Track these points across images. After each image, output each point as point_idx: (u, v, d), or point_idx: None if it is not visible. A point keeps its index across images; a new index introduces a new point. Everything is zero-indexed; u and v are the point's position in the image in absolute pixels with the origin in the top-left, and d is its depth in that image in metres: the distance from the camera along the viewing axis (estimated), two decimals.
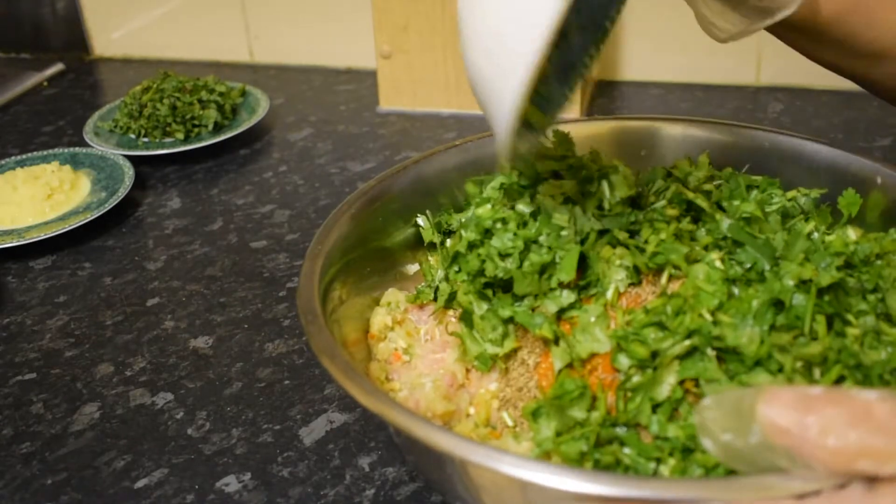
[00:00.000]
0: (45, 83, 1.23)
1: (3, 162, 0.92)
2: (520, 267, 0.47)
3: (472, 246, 0.51)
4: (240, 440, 0.56)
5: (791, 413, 0.30)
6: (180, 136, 0.97)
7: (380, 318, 0.52)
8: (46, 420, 0.59)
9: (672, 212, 0.49)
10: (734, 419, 0.33)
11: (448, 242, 0.56)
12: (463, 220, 0.55)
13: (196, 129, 0.98)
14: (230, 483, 0.53)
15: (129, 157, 0.91)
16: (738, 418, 0.32)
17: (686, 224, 0.49)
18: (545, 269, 0.46)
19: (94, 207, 0.82)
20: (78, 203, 0.85)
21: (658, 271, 0.46)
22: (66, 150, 0.93)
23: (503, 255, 0.48)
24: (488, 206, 0.53)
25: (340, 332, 0.48)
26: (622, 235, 0.47)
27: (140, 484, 0.53)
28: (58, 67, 1.27)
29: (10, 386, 0.62)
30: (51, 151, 0.94)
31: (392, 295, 0.54)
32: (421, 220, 0.58)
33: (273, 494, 0.52)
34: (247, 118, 1.00)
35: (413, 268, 0.58)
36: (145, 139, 0.98)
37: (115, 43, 1.31)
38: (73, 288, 0.74)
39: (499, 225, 0.51)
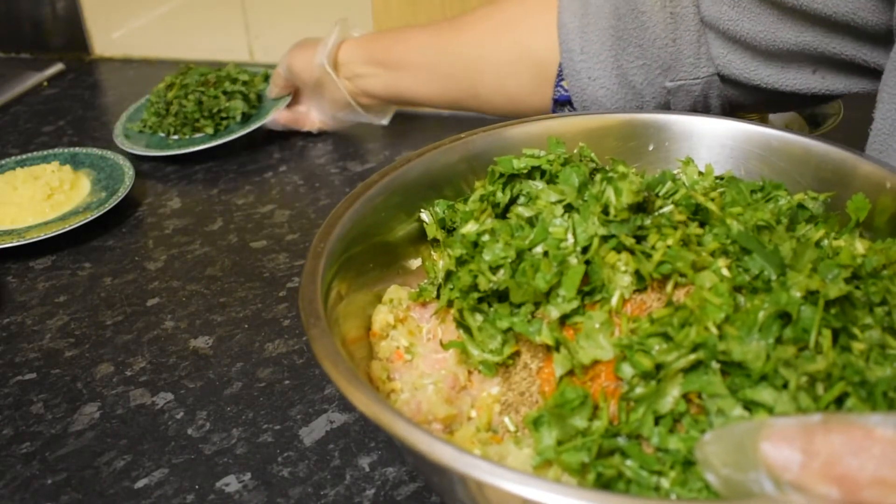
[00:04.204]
0: (45, 83, 1.23)
1: (3, 162, 0.92)
2: (513, 276, 0.47)
3: (462, 262, 0.50)
4: (240, 440, 0.56)
5: (793, 447, 0.30)
6: (209, 130, 0.96)
7: (382, 317, 0.52)
8: (46, 420, 0.59)
9: (680, 216, 0.48)
10: (735, 454, 0.33)
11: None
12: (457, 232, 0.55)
13: (224, 122, 0.97)
14: (230, 483, 0.53)
15: (129, 157, 0.91)
16: (740, 453, 0.32)
17: (693, 228, 0.48)
18: (550, 290, 0.46)
19: (94, 207, 0.82)
20: (78, 203, 0.85)
21: (664, 279, 0.45)
22: (66, 150, 0.93)
23: (494, 268, 0.48)
24: (472, 221, 0.53)
25: (342, 329, 0.47)
26: (629, 241, 0.46)
27: (140, 484, 0.53)
28: (58, 67, 1.27)
29: (10, 386, 0.62)
30: (51, 151, 0.94)
31: (394, 292, 0.54)
32: (425, 216, 0.57)
33: (273, 494, 0.52)
34: (273, 103, 0.99)
35: (416, 262, 0.58)
36: (175, 136, 0.97)
37: (115, 43, 1.31)
38: (73, 288, 0.74)
39: (486, 237, 0.51)
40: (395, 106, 0.95)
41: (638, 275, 0.45)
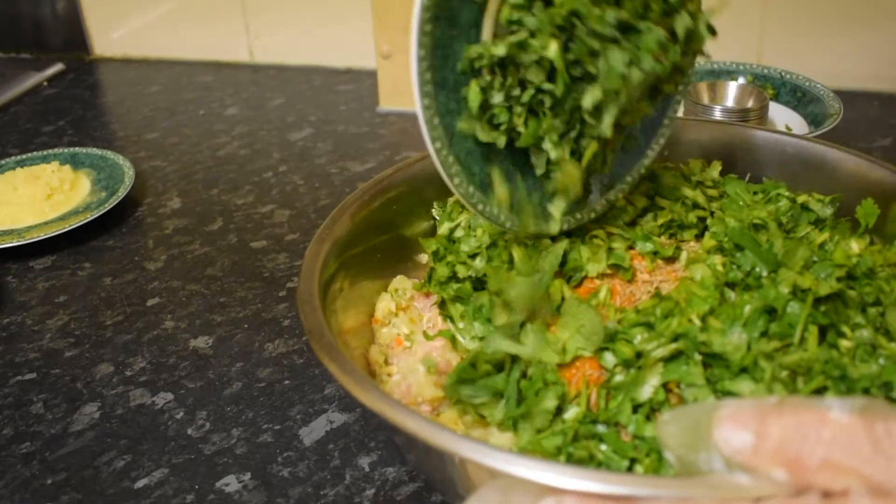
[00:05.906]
0: (45, 83, 1.23)
1: (3, 162, 0.92)
2: (489, 261, 0.48)
3: (440, 258, 0.51)
4: (240, 440, 0.56)
5: (747, 428, 0.30)
6: None
7: (384, 304, 0.53)
8: (46, 420, 0.59)
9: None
10: (691, 435, 0.33)
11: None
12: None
13: None
14: (230, 483, 0.53)
15: (129, 158, 0.91)
16: (695, 434, 0.32)
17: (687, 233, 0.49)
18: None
19: (94, 207, 0.82)
20: (78, 203, 0.85)
21: (661, 261, 0.46)
22: (66, 150, 0.93)
23: (472, 257, 0.49)
24: (447, 221, 0.54)
25: (346, 314, 0.49)
26: (614, 229, 0.47)
27: (140, 484, 0.53)
28: (58, 67, 1.27)
29: (10, 386, 0.62)
30: (51, 151, 0.94)
31: (400, 282, 0.55)
32: (436, 211, 0.58)
33: (273, 494, 0.52)
34: None
35: (427, 257, 0.59)
36: None
37: (115, 43, 1.31)
38: (73, 288, 0.74)
39: (460, 232, 0.52)
40: None
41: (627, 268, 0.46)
